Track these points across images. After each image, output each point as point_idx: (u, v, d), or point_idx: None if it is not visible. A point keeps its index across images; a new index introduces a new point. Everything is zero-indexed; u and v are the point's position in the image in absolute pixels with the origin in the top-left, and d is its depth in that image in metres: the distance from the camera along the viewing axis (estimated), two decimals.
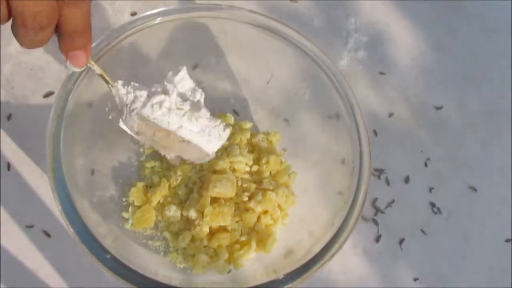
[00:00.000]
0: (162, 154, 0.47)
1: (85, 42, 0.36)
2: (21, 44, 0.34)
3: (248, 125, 0.52)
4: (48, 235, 0.50)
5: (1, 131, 0.52)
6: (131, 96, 0.42)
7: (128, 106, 0.42)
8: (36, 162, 0.51)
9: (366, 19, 0.60)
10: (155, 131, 0.43)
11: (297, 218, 0.49)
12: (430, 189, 0.56)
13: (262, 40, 0.48)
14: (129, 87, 0.42)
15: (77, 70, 0.39)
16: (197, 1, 0.57)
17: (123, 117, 0.43)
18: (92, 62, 0.40)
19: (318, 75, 0.47)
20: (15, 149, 0.51)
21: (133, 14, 0.55)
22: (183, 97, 0.44)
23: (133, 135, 0.44)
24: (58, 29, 0.34)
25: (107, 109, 0.47)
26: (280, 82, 0.51)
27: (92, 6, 0.55)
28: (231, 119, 0.51)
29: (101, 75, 0.41)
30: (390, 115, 0.57)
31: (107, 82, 0.42)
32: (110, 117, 0.47)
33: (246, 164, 0.49)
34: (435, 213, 0.55)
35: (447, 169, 0.57)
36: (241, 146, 0.50)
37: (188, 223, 0.47)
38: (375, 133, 0.56)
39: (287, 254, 0.46)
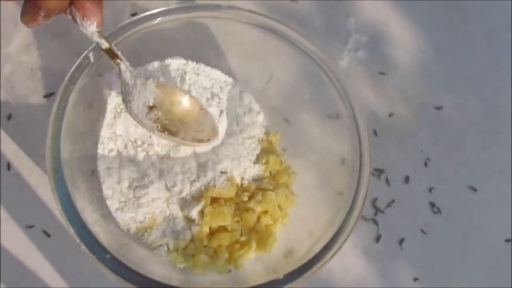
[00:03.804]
0: (170, 136, 0.46)
1: None
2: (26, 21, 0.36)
3: None
4: (48, 235, 0.50)
5: (1, 131, 0.52)
6: (143, 69, 0.42)
7: (142, 77, 0.41)
8: (36, 162, 0.51)
9: (366, 19, 0.60)
10: (174, 99, 0.42)
11: (297, 218, 0.49)
12: (430, 189, 0.56)
13: (262, 40, 0.48)
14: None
15: (93, 31, 0.38)
16: (197, 1, 0.57)
17: (131, 97, 0.42)
18: (101, 34, 0.39)
19: (318, 75, 0.47)
20: (15, 149, 0.51)
21: (133, 14, 0.55)
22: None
23: (139, 122, 0.43)
24: None
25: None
26: (280, 82, 0.51)
27: None
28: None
29: (108, 49, 0.40)
30: (390, 115, 0.57)
31: (116, 57, 0.40)
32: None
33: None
34: (435, 213, 0.55)
35: (447, 169, 0.57)
36: None
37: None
38: (375, 133, 0.56)
39: (287, 254, 0.46)
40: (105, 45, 0.40)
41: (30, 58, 0.54)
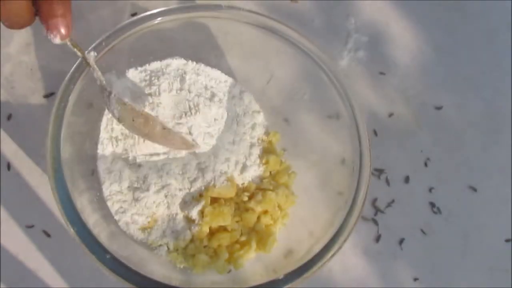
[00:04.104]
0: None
1: (64, 10, 0.36)
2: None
3: None
4: (48, 235, 0.50)
5: (1, 131, 0.52)
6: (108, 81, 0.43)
7: (107, 90, 0.42)
8: (36, 162, 0.51)
9: (366, 19, 0.60)
10: (134, 117, 0.43)
11: (297, 218, 0.49)
12: (430, 189, 0.56)
13: (262, 40, 0.48)
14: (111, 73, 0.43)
15: (59, 42, 0.38)
16: (197, 1, 0.57)
17: (108, 103, 0.43)
18: (73, 43, 0.40)
19: (318, 75, 0.47)
20: (15, 149, 0.51)
21: (133, 14, 0.55)
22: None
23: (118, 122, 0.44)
24: None
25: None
26: (280, 82, 0.51)
27: (93, 6, 0.55)
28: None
29: (82, 58, 0.41)
30: (390, 115, 0.57)
31: (88, 66, 0.41)
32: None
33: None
34: (435, 213, 0.55)
35: (447, 169, 0.57)
36: None
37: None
38: (375, 133, 0.56)
39: (287, 254, 0.46)
40: (78, 54, 0.41)
41: (30, 58, 0.54)
